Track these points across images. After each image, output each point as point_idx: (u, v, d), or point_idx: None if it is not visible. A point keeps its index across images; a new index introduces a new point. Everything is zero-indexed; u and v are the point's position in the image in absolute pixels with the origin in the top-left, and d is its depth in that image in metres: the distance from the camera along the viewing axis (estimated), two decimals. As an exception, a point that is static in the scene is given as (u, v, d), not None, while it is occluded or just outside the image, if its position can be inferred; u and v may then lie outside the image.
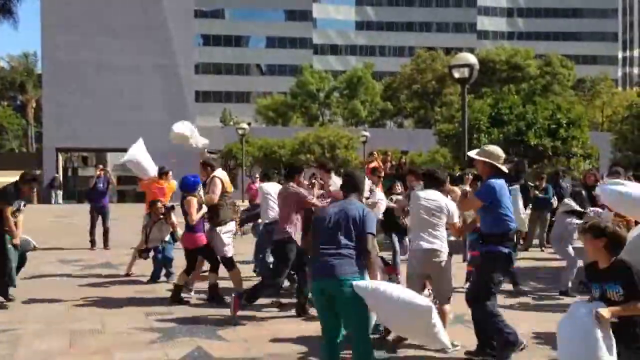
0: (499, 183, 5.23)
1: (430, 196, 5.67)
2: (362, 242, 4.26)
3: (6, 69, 62.01)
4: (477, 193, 5.46)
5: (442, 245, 5.59)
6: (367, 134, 34.31)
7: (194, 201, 7.36)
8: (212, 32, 74.82)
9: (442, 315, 5.33)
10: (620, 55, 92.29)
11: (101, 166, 14.79)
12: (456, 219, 5.78)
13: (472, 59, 11.59)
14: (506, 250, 5.13)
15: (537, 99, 27.76)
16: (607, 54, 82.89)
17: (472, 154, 5.53)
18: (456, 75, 11.46)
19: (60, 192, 36.70)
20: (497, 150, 5.41)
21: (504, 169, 5.32)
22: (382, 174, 11.54)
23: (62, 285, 8.76)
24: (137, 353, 5.55)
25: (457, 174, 11.68)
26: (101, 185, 13.20)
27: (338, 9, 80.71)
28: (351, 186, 4.63)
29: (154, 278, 8.99)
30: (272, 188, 8.29)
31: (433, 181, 5.82)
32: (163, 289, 8.39)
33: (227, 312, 6.98)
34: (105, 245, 12.94)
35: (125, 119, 39.57)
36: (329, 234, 4.30)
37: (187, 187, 7.52)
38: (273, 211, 7.93)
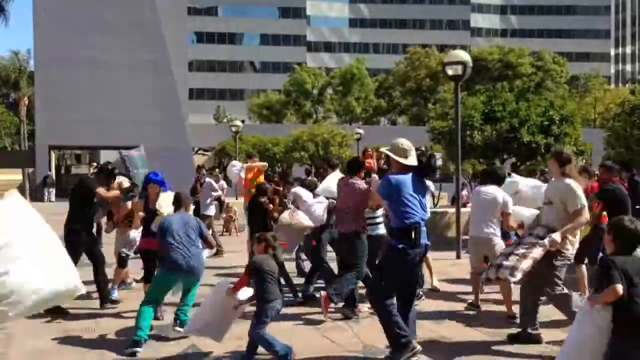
0: (397, 177, 5.11)
1: (489, 190, 6.89)
2: (205, 239, 6.25)
3: (-3, 66, 61.66)
4: (378, 189, 5.43)
5: (496, 232, 6.86)
6: (361, 131, 34.36)
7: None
8: (206, 29, 74.64)
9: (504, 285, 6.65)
10: (612, 52, 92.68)
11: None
12: (509, 209, 6.85)
13: (465, 56, 11.60)
14: (400, 246, 5.02)
15: (530, 95, 27.81)
16: (600, 51, 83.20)
17: (384, 149, 5.45)
18: (450, 72, 11.47)
19: (53, 190, 36.66)
20: (401, 143, 5.25)
21: (409, 162, 5.15)
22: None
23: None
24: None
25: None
26: None
27: (332, 6, 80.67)
28: (178, 202, 6.26)
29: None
30: (306, 192, 8.22)
31: (493, 178, 7.06)
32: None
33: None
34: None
35: (118, 116, 39.43)
36: (184, 237, 5.93)
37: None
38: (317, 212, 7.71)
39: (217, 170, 18.88)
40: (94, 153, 50.62)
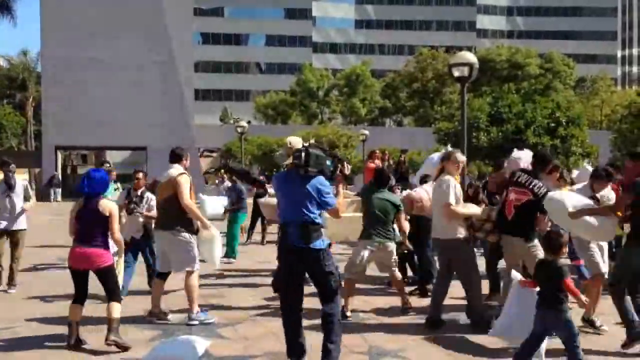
0: (278, 175, 5.25)
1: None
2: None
3: (5, 67, 61.82)
4: None
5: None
6: (366, 132, 34.36)
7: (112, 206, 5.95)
8: (212, 30, 74.77)
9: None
10: (619, 54, 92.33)
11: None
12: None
13: (471, 57, 11.54)
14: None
15: (536, 97, 27.74)
16: (607, 52, 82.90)
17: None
18: (456, 74, 11.41)
19: (59, 190, 36.78)
20: (288, 142, 5.44)
21: (286, 162, 5.25)
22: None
23: (61, 283, 8.74)
24: (136, 350, 5.55)
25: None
26: None
27: (337, 7, 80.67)
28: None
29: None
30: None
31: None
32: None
33: (228, 312, 6.98)
34: (105, 243, 12.89)
35: (124, 117, 39.56)
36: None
37: (99, 187, 5.85)
38: None
39: (222, 171, 18.83)
40: (100, 153, 50.77)
